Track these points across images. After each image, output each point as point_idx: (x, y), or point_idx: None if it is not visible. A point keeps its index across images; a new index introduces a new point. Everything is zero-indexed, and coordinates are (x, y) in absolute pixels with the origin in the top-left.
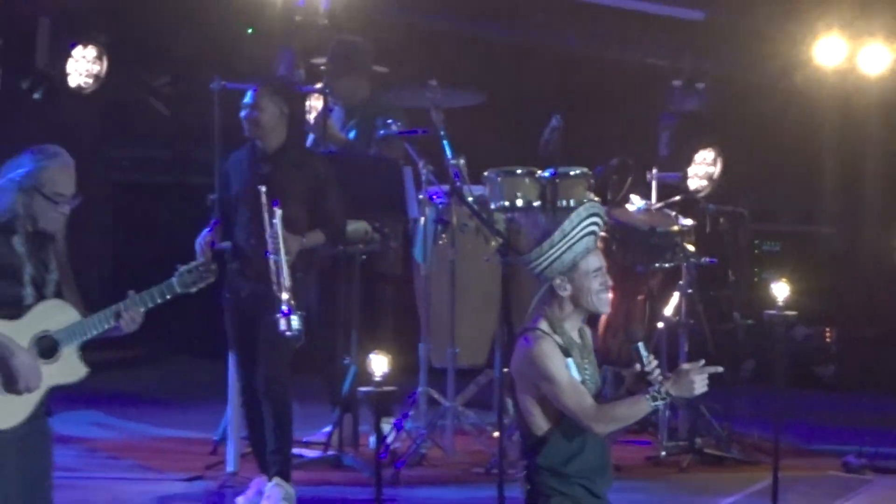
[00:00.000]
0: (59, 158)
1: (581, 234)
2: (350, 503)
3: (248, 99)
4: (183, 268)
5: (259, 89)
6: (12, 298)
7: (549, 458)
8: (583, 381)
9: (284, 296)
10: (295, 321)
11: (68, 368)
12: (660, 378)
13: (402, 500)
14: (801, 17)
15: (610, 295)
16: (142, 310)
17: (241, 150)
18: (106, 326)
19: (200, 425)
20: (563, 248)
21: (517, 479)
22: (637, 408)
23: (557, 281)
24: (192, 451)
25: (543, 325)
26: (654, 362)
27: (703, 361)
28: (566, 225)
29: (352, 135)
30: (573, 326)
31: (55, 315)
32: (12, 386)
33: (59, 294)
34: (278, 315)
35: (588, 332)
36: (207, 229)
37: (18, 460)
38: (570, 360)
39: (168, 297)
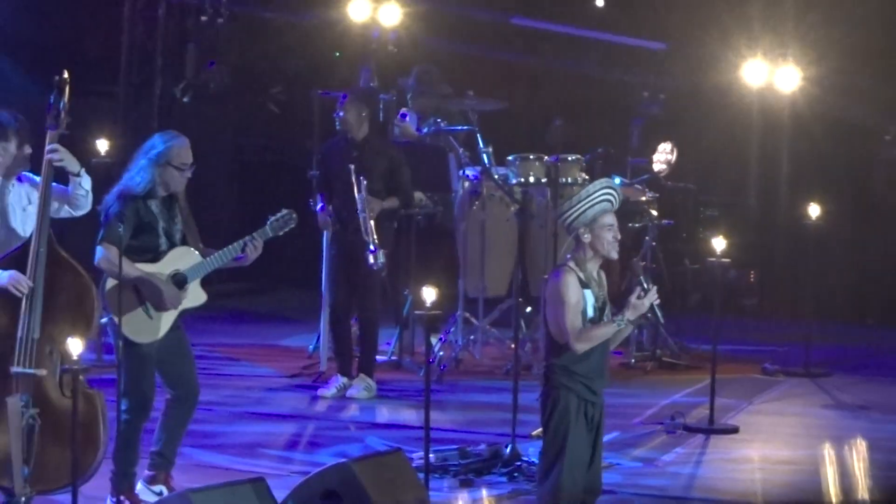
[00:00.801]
0: (181, 138)
1: (599, 198)
2: (408, 392)
3: (339, 103)
4: (273, 217)
5: (346, 96)
6: (153, 247)
7: (563, 360)
8: (600, 308)
9: (371, 240)
10: (380, 256)
11: (194, 296)
12: (657, 300)
13: (444, 392)
14: (732, 46)
15: (617, 245)
16: (258, 244)
17: (334, 141)
18: (229, 259)
19: (299, 338)
20: (587, 206)
21: (527, 378)
22: (606, 329)
23: (581, 230)
24: (292, 357)
25: (571, 263)
26: (654, 287)
27: (640, 290)
28: (590, 188)
29: (423, 132)
30: (593, 267)
31: (183, 257)
32: (162, 307)
33: (184, 241)
34: (367, 252)
35: (603, 274)
36: (321, 209)
37: (168, 355)
38: (587, 291)
39: (269, 236)
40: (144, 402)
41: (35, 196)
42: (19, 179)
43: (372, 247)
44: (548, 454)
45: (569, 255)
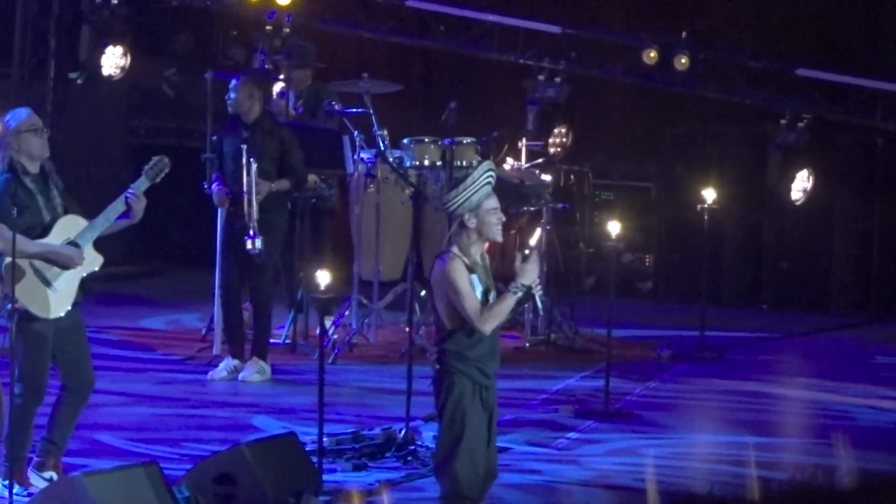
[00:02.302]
0: (22, 108)
1: (483, 182)
2: (303, 374)
3: (231, 85)
4: (146, 166)
5: (239, 78)
6: (38, 222)
7: (455, 345)
8: (485, 291)
9: (251, 225)
10: (258, 242)
11: (90, 260)
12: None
13: (339, 375)
14: (629, 28)
15: (501, 228)
16: (140, 196)
17: (227, 122)
18: (114, 216)
19: (192, 320)
20: (471, 193)
21: (422, 361)
22: (507, 302)
23: (466, 216)
24: (186, 339)
25: (455, 249)
26: (534, 251)
27: (520, 256)
28: (475, 174)
29: (300, 111)
30: (477, 251)
31: (69, 225)
32: (71, 265)
33: (66, 212)
34: (246, 237)
35: (487, 256)
36: (217, 184)
37: (66, 342)
38: (474, 275)
39: (147, 184)
40: (38, 386)
41: None
42: None
43: (251, 232)
44: (445, 441)
45: (452, 241)
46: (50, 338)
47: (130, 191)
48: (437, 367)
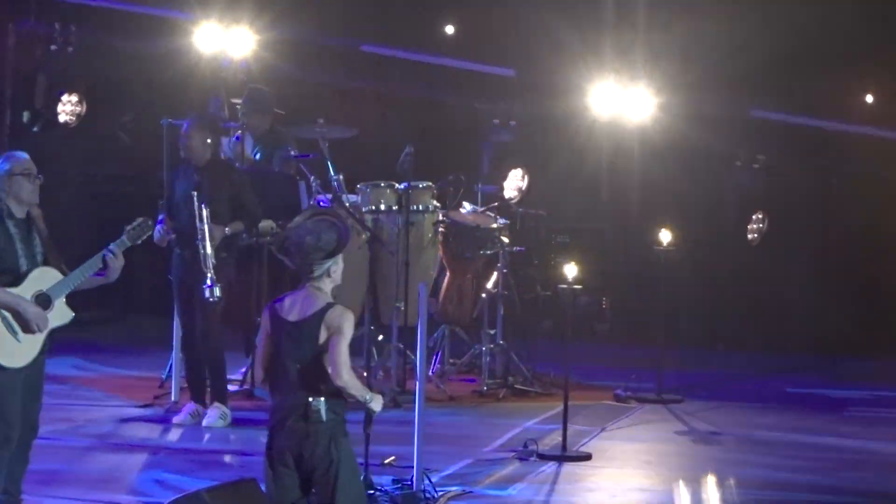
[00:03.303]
0: (19, 152)
1: None
2: (259, 422)
3: (183, 130)
4: (128, 227)
5: (190, 123)
6: (13, 268)
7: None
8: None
9: (209, 273)
10: (216, 291)
11: (60, 314)
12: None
13: None
14: (582, 72)
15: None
16: (118, 255)
17: (180, 167)
18: (90, 272)
19: (151, 367)
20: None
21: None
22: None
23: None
24: (145, 386)
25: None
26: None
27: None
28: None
29: (258, 156)
30: None
31: (44, 277)
32: (29, 329)
33: (45, 262)
34: (204, 286)
35: None
36: (160, 224)
37: (24, 388)
38: None
39: (128, 245)
40: (9, 432)
41: None
42: None
43: (209, 281)
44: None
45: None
46: (18, 385)
47: (110, 249)
48: (331, 414)
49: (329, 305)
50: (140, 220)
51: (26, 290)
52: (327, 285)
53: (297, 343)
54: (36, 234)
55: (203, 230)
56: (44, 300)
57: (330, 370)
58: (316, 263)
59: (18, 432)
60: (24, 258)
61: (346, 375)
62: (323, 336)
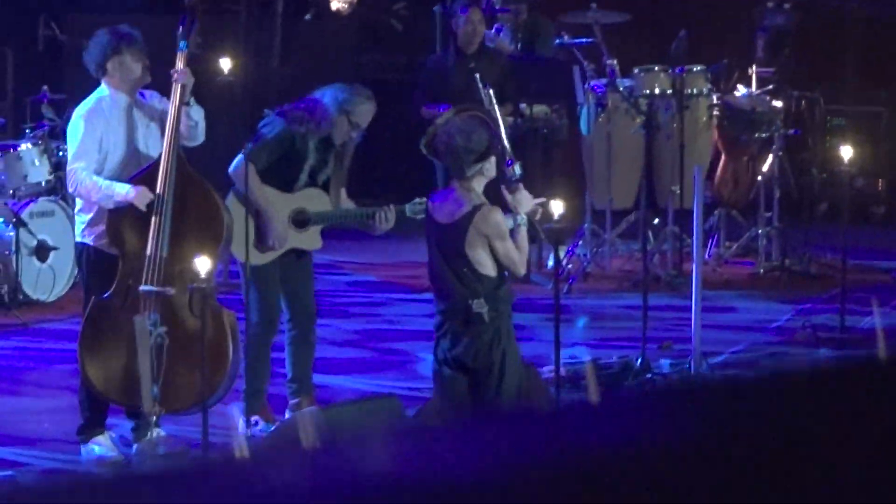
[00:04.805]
0: (371, 102)
1: None
2: (537, 304)
3: (460, 12)
4: (412, 202)
5: (467, 8)
6: (291, 178)
7: (504, 292)
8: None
9: (508, 151)
10: (517, 168)
11: (309, 239)
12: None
13: (573, 304)
14: None
15: None
16: (391, 217)
17: (442, 55)
18: (355, 219)
19: None
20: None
21: (656, 290)
22: (524, 235)
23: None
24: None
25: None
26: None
27: (504, 186)
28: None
29: (518, 45)
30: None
31: (314, 199)
32: (264, 242)
33: (326, 187)
34: (504, 165)
35: None
36: (430, 106)
37: (289, 276)
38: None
39: (405, 215)
40: (271, 316)
41: (157, 114)
42: (141, 96)
43: (508, 159)
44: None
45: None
46: (276, 270)
47: (385, 209)
48: (493, 314)
49: (475, 209)
50: (419, 200)
51: (291, 202)
52: (480, 184)
53: (447, 248)
54: (333, 160)
55: (494, 114)
56: (302, 219)
57: (506, 273)
58: (467, 165)
59: (279, 315)
60: (306, 174)
61: (523, 270)
62: (472, 241)
